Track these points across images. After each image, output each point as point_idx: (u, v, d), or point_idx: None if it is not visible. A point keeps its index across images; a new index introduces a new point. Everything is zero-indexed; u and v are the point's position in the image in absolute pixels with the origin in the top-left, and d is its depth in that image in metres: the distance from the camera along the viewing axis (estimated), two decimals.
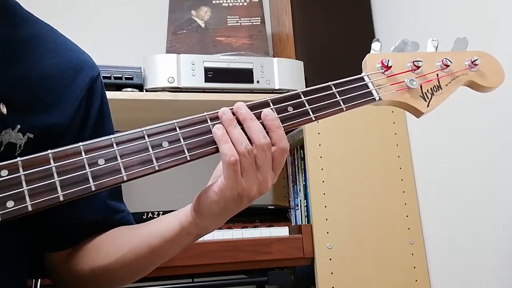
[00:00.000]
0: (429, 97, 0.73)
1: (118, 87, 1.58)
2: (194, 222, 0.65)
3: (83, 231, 0.77)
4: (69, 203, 0.74)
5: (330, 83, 0.69)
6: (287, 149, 0.63)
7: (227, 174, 0.59)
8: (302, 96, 0.67)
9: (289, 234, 1.52)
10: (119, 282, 0.76)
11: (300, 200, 1.70)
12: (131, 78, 1.59)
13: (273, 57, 1.90)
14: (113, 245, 0.74)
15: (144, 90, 1.62)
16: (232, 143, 0.60)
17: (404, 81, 0.72)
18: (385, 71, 0.72)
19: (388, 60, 0.72)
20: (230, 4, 1.95)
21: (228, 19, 1.92)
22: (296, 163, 1.81)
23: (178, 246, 0.69)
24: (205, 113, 0.62)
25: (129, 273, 0.74)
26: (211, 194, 0.62)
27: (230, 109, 0.63)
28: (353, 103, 0.69)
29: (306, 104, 0.66)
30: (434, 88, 0.74)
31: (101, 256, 0.73)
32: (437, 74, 0.75)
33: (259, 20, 1.93)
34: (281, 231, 1.52)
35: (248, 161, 0.59)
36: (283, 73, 1.71)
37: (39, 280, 1.11)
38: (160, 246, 0.68)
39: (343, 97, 0.68)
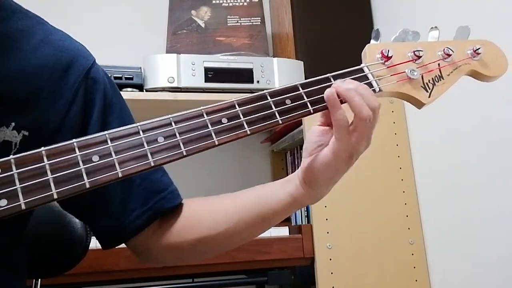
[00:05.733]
0: (431, 88, 0.71)
1: (118, 87, 1.57)
2: (308, 193, 0.69)
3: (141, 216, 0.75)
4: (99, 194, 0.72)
5: (328, 74, 0.68)
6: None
7: (340, 136, 0.63)
8: (300, 89, 0.66)
9: (289, 234, 1.52)
10: (226, 248, 0.79)
11: None
12: (131, 78, 1.60)
13: (273, 57, 1.90)
14: (219, 216, 0.75)
15: (144, 90, 1.62)
16: (353, 107, 0.63)
17: (404, 72, 0.70)
18: (385, 61, 0.70)
19: (388, 50, 0.70)
20: (230, 4, 1.95)
21: (228, 19, 1.92)
22: (296, 163, 1.80)
23: (287, 215, 0.74)
24: (201, 107, 0.61)
25: (238, 240, 0.77)
26: (324, 159, 0.65)
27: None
28: None
29: (304, 97, 0.65)
30: (436, 78, 0.71)
31: (207, 227, 0.74)
32: (439, 64, 0.72)
33: (259, 20, 1.93)
34: (281, 231, 1.52)
35: (368, 125, 0.63)
36: (283, 73, 1.71)
37: (39, 280, 1.10)
38: (272, 216, 0.72)
39: None
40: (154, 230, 0.77)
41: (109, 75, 1.51)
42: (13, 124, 0.65)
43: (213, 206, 0.77)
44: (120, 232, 0.75)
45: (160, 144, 0.57)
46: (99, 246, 0.78)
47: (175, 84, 1.60)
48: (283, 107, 0.64)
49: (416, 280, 1.52)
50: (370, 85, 0.69)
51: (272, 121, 0.63)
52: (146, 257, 0.80)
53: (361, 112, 0.63)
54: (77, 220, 1.03)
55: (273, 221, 0.74)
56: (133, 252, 0.80)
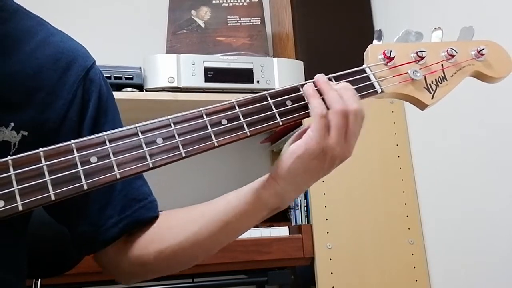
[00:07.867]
0: (434, 89, 0.70)
1: (118, 87, 1.57)
2: (273, 189, 0.66)
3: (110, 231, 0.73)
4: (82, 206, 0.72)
5: (330, 75, 0.67)
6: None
7: (316, 126, 0.61)
8: (301, 90, 0.65)
9: (289, 234, 1.51)
10: (192, 261, 0.75)
11: (300, 200, 1.69)
12: (131, 78, 1.59)
13: (273, 57, 1.89)
14: (182, 225, 0.72)
15: (144, 90, 1.61)
16: (326, 99, 0.63)
17: (407, 73, 0.70)
18: (387, 62, 0.70)
19: (391, 51, 0.69)
20: (230, 4, 1.95)
21: (228, 19, 1.92)
22: None
23: (253, 220, 0.69)
24: (201, 108, 0.60)
25: (203, 250, 0.73)
26: (296, 149, 0.62)
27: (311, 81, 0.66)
28: None
29: (306, 98, 0.65)
30: (439, 79, 0.71)
31: (169, 238, 0.72)
32: (442, 65, 0.72)
33: (259, 20, 1.93)
34: (281, 231, 1.51)
35: (342, 121, 0.62)
36: (283, 73, 1.71)
37: (39, 280, 1.10)
38: (235, 220, 0.68)
39: None
40: (125, 241, 0.75)
41: (109, 76, 1.53)
42: (12, 124, 0.65)
43: (179, 217, 0.75)
44: (94, 238, 0.73)
45: (159, 145, 0.56)
46: None
47: (175, 84, 1.60)
48: (283, 108, 0.64)
49: (416, 280, 1.52)
50: (372, 86, 0.68)
51: (273, 122, 0.63)
52: (113, 270, 0.78)
53: (331, 105, 0.62)
54: None
55: (239, 226, 0.70)
56: (101, 266, 0.78)
